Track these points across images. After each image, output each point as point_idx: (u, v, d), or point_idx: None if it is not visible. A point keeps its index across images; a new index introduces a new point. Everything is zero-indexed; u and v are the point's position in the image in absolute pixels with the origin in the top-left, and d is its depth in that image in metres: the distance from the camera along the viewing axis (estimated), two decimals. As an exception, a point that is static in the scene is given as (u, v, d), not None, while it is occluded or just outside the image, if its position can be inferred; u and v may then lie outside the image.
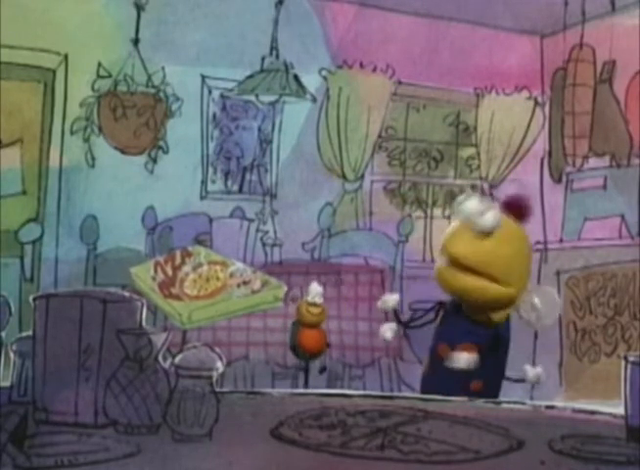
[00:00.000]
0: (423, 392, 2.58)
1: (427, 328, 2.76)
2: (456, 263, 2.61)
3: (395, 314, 2.79)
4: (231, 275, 3.29)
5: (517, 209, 2.66)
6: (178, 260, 3.34)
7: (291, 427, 1.77)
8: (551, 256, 3.81)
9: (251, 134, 3.76)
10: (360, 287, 3.73)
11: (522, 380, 2.74)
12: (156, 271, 3.30)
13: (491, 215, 2.60)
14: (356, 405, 1.98)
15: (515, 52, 3.89)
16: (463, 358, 2.61)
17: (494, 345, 2.66)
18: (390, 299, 2.80)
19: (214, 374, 1.67)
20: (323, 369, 3.13)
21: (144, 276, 3.31)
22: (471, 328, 2.64)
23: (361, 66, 3.78)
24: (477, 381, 2.62)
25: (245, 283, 3.26)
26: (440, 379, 2.57)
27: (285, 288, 3.33)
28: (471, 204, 2.62)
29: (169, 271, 3.30)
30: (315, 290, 3.05)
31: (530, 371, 2.72)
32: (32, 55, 3.39)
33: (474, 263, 2.60)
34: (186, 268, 3.30)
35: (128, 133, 3.57)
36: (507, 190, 3.92)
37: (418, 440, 1.72)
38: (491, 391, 2.63)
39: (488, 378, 2.65)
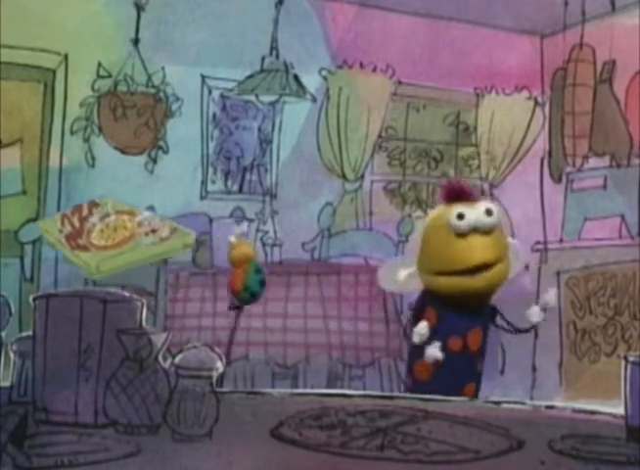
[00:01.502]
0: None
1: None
2: (483, 268, 2.62)
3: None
4: (139, 224, 3.26)
5: (462, 192, 2.67)
6: (85, 212, 3.31)
7: (291, 427, 1.77)
8: (551, 256, 3.81)
9: (251, 134, 3.76)
10: (360, 287, 3.73)
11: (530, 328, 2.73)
12: (63, 224, 3.27)
13: (494, 209, 2.63)
14: (356, 405, 1.97)
15: (515, 52, 3.89)
16: (424, 327, 2.61)
17: (491, 319, 2.70)
18: (423, 328, 2.70)
19: (214, 374, 1.67)
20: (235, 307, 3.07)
21: (52, 229, 3.28)
22: (472, 314, 2.64)
23: (361, 66, 3.78)
24: (480, 362, 2.65)
25: (153, 231, 3.24)
26: (452, 373, 2.56)
27: (194, 235, 3.31)
28: (468, 212, 2.63)
29: (76, 223, 3.27)
30: (239, 229, 3.03)
31: (547, 297, 2.74)
32: (32, 55, 3.39)
33: (497, 258, 2.65)
34: (93, 219, 3.26)
35: (128, 133, 3.57)
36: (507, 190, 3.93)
37: (418, 440, 1.72)
38: (482, 367, 2.66)
39: (484, 356, 2.67)
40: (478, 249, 2.63)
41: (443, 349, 2.62)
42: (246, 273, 3.02)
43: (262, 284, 3.07)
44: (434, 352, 2.62)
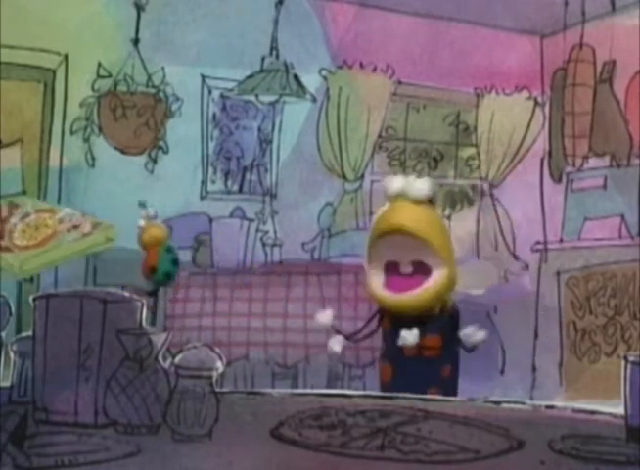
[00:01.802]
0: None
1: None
2: (398, 235, 2.57)
3: (336, 330, 2.72)
4: (60, 221, 3.25)
5: None
6: (5, 213, 3.29)
7: (291, 427, 1.77)
8: (551, 256, 3.81)
9: (251, 134, 3.76)
10: (360, 287, 3.73)
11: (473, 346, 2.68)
12: (-18, 228, 3.26)
13: (425, 181, 2.61)
14: (356, 405, 1.97)
15: (515, 52, 3.88)
16: (413, 334, 2.58)
17: (453, 326, 2.64)
18: (324, 317, 2.72)
19: (214, 374, 1.67)
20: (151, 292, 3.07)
21: (-28, 234, 3.28)
22: (426, 320, 2.60)
23: (361, 66, 3.78)
24: (446, 366, 2.61)
25: (75, 227, 3.23)
26: (409, 378, 2.54)
27: (115, 227, 3.30)
28: (400, 177, 2.63)
29: (-4, 225, 3.26)
30: (145, 211, 3.04)
31: (472, 332, 2.65)
32: (32, 55, 3.39)
33: (419, 229, 2.57)
34: (13, 220, 3.25)
35: (128, 133, 3.57)
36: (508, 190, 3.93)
37: (418, 440, 1.72)
38: (456, 372, 2.63)
39: (454, 361, 2.64)
40: (398, 211, 2.60)
41: (400, 353, 2.61)
42: (157, 254, 3.02)
43: (175, 263, 3.07)
44: (333, 343, 2.67)
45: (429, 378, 2.52)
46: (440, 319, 2.62)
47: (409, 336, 2.55)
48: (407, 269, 2.61)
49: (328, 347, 2.69)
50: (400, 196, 2.60)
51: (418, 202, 2.59)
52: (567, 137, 3.76)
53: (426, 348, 2.59)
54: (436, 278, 2.58)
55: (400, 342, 2.56)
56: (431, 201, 2.65)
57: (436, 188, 2.69)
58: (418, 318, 2.59)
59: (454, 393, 2.58)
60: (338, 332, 2.71)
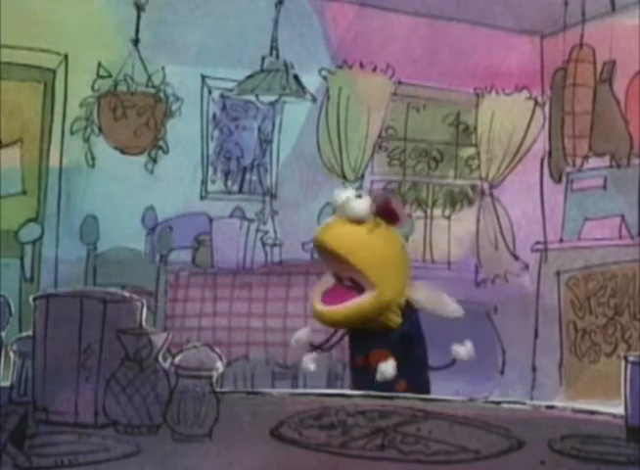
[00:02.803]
0: None
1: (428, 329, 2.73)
2: (325, 253, 2.56)
3: (311, 345, 2.70)
4: None
5: (387, 212, 2.62)
6: None
7: (291, 427, 1.77)
8: (551, 256, 3.81)
9: (251, 134, 3.76)
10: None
11: (451, 364, 2.66)
12: None
13: (364, 201, 2.56)
14: (356, 405, 1.97)
15: (515, 52, 3.89)
16: (390, 366, 2.57)
17: (405, 344, 2.61)
18: (303, 334, 2.69)
19: (214, 374, 1.67)
20: None
21: None
22: (378, 335, 2.58)
23: (361, 66, 3.78)
24: (400, 382, 2.60)
25: None
26: (361, 387, 2.52)
27: None
28: (345, 192, 2.60)
29: None
30: None
31: (461, 349, 2.64)
32: (32, 55, 3.39)
33: (340, 250, 2.54)
34: None
35: (128, 133, 3.57)
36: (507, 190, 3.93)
37: (418, 440, 1.72)
38: (418, 388, 2.61)
39: (411, 377, 2.62)
40: (326, 227, 2.58)
41: (353, 364, 2.64)
42: None
43: None
44: (306, 362, 2.65)
45: (383, 390, 2.50)
46: (387, 335, 2.61)
47: (387, 369, 2.56)
48: (347, 282, 2.60)
49: (302, 365, 2.67)
50: (340, 212, 2.58)
51: (356, 221, 2.55)
52: (567, 137, 3.76)
53: (372, 359, 2.59)
54: (361, 298, 2.56)
55: (379, 376, 2.56)
56: (390, 216, 2.61)
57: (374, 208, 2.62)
58: (363, 331, 2.59)
59: None
60: (314, 347, 2.69)
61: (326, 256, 2.60)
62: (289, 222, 3.74)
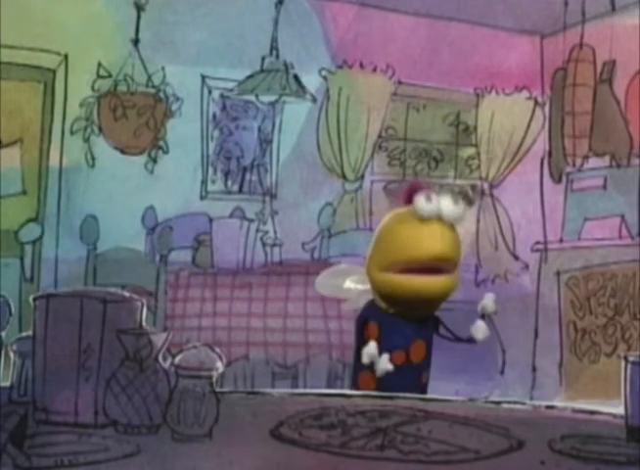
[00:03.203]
0: None
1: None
2: (437, 263, 2.55)
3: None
4: None
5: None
6: None
7: (291, 427, 1.77)
8: (551, 256, 3.81)
9: (251, 134, 3.76)
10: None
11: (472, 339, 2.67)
12: None
13: (459, 203, 2.55)
14: (356, 405, 1.97)
15: (515, 52, 3.89)
16: (482, 327, 2.59)
17: (435, 330, 2.63)
18: (372, 348, 2.59)
19: (214, 374, 1.67)
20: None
21: None
22: (415, 326, 2.58)
23: (361, 66, 3.78)
24: (425, 372, 2.61)
25: None
26: (394, 386, 2.51)
27: None
28: (434, 199, 2.59)
29: None
30: None
31: (487, 302, 2.62)
32: (32, 55, 3.39)
33: (455, 256, 2.55)
34: None
35: (128, 133, 3.57)
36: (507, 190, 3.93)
37: (418, 440, 1.72)
38: (429, 378, 2.62)
39: (429, 367, 2.64)
40: (439, 238, 2.54)
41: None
42: None
43: None
44: (384, 366, 2.57)
45: (410, 385, 2.49)
46: (426, 324, 2.61)
47: (481, 328, 2.57)
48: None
49: (381, 367, 2.64)
50: (434, 218, 2.57)
51: (450, 224, 2.56)
52: (567, 137, 3.76)
53: (414, 354, 2.59)
54: (451, 277, 2.56)
55: (480, 335, 2.56)
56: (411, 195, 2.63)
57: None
58: (407, 324, 2.59)
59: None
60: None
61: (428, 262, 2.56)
62: (289, 222, 3.74)
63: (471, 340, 2.64)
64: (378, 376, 2.56)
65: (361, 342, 2.63)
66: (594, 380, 3.56)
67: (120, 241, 3.55)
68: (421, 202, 2.55)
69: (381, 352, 2.58)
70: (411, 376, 2.57)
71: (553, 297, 3.77)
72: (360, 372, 2.64)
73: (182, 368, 1.67)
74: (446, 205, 2.54)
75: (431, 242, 2.54)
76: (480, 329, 2.62)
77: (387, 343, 2.60)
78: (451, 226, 2.55)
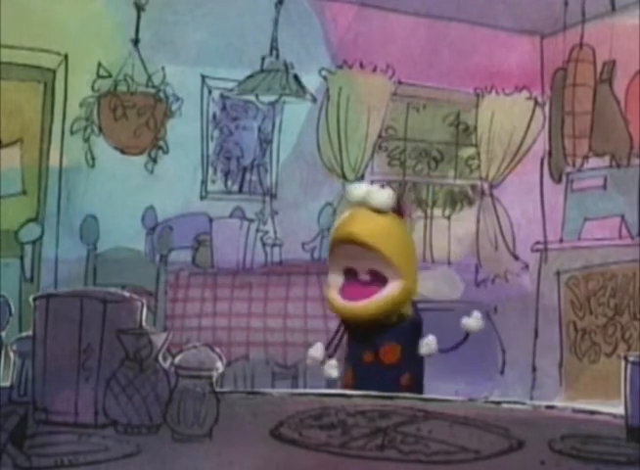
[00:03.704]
0: None
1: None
2: (354, 244, 2.55)
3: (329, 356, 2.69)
4: None
5: (398, 205, 2.64)
6: None
7: (291, 427, 1.77)
8: (551, 256, 3.81)
9: (251, 134, 3.76)
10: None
11: (465, 339, 2.64)
12: None
13: (387, 191, 2.59)
14: (356, 405, 1.98)
15: (515, 52, 3.89)
16: (432, 340, 2.58)
17: (413, 334, 2.61)
18: (317, 352, 2.68)
19: (214, 374, 1.67)
20: None
21: None
22: (387, 328, 2.57)
23: (361, 66, 3.78)
24: (405, 374, 2.60)
25: None
26: (368, 384, 2.51)
27: None
28: (363, 185, 2.61)
29: None
30: None
31: (471, 321, 2.60)
32: (32, 55, 3.39)
33: (372, 240, 2.53)
34: None
35: (128, 133, 3.57)
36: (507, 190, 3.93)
37: (418, 440, 1.72)
38: (420, 379, 2.61)
39: (415, 368, 2.62)
40: (357, 220, 2.56)
41: (359, 360, 2.60)
42: None
43: None
44: (330, 371, 2.63)
45: (387, 385, 2.48)
46: (399, 327, 2.60)
47: (430, 344, 2.56)
48: (364, 277, 2.59)
49: (325, 373, 2.65)
50: (361, 204, 2.58)
51: (379, 211, 2.56)
52: (567, 137, 3.76)
53: (383, 355, 2.58)
54: (390, 289, 2.55)
55: (424, 350, 2.56)
56: (400, 210, 2.64)
57: (407, 197, 2.67)
58: (375, 325, 2.58)
59: None
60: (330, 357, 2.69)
61: (351, 248, 2.56)
62: (289, 222, 3.74)
63: (448, 350, 2.63)
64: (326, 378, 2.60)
65: (339, 334, 2.65)
66: (594, 380, 3.56)
67: (120, 241, 3.55)
68: (348, 188, 2.59)
69: (355, 350, 2.60)
70: (384, 376, 2.55)
71: (553, 297, 3.77)
72: (344, 366, 2.66)
73: (182, 368, 1.67)
74: (371, 190, 2.57)
75: (347, 222, 2.58)
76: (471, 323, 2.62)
77: (357, 342, 2.62)
78: (379, 212, 2.56)
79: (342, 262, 2.61)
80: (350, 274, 2.61)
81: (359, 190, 2.59)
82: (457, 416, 1.91)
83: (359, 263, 2.58)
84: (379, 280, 2.57)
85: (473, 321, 2.60)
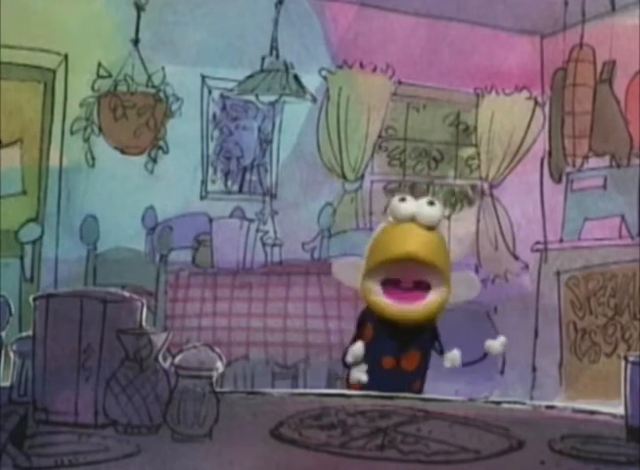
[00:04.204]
0: None
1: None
2: (412, 262, 2.55)
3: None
4: None
5: None
6: None
7: (291, 427, 1.77)
8: (551, 256, 3.81)
9: (251, 134, 3.76)
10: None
11: (483, 357, 2.66)
12: None
13: (438, 207, 2.58)
14: (356, 405, 1.97)
15: (515, 52, 3.89)
16: (457, 355, 2.59)
17: (432, 341, 2.62)
18: (359, 350, 2.62)
19: (214, 374, 1.67)
20: None
21: None
22: (412, 335, 2.58)
23: (361, 66, 3.78)
24: (417, 381, 2.60)
25: None
26: (382, 390, 2.51)
27: None
28: (411, 201, 2.59)
29: None
30: None
31: (495, 344, 2.61)
32: (32, 55, 3.39)
33: (432, 258, 2.54)
34: None
35: (128, 133, 3.57)
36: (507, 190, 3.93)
37: (418, 440, 1.72)
38: (422, 387, 2.62)
39: (425, 376, 2.63)
40: (411, 236, 2.55)
41: (377, 365, 2.58)
42: None
43: None
44: (359, 375, 2.58)
45: (401, 391, 2.50)
46: (422, 335, 2.61)
47: (456, 358, 2.57)
48: (408, 285, 2.60)
49: (354, 379, 2.64)
50: (411, 220, 2.58)
51: (430, 227, 2.57)
52: (567, 137, 3.76)
53: (405, 362, 2.58)
54: (438, 294, 2.57)
55: (449, 364, 2.57)
56: None
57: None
58: (417, 329, 2.59)
59: None
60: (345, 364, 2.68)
61: (405, 264, 2.55)
62: (289, 222, 3.74)
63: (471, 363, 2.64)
64: (351, 382, 2.58)
65: (357, 339, 2.64)
66: (594, 380, 3.56)
67: (120, 241, 3.55)
68: (395, 203, 2.57)
69: (373, 354, 2.59)
70: (401, 382, 2.55)
71: (553, 297, 3.77)
72: (351, 370, 2.65)
73: (182, 368, 1.67)
74: (421, 205, 2.56)
75: (401, 240, 2.56)
76: (494, 347, 2.62)
77: (378, 347, 2.61)
78: (429, 228, 2.56)
79: (387, 274, 2.60)
80: (390, 282, 2.61)
81: (409, 206, 2.57)
82: (457, 416, 1.91)
83: (406, 274, 2.58)
84: (421, 287, 2.57)
85: (497, 346, 2.62)
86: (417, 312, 2.57)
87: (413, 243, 2.55)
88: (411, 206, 2.57)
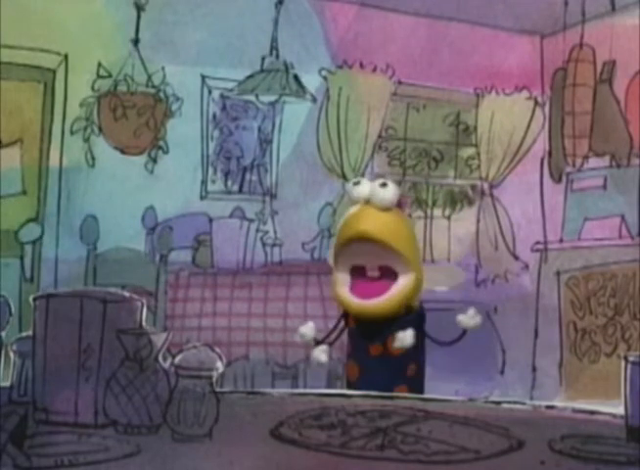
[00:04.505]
0: None
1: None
2: (366, 241, 2.56)
3: (315, 341, 2.68)
4: None
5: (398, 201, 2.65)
6: None
7: (291, 427, 1.77)
8: (551, 256, 3.81)
9: (251, 134, 3.76)
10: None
11: (462, 335, 2.63)
12: None
13: (391, 188, 2.60)
14: (356, 405, 1.98)
15: (515, 52, 3.89)
16: (408, 335, 2.58)
17: (419, 325, 2.62)
18: (308, 329, 2.68)
19: (214, 374, 1.67)
20: None
21: None
22: (394, 320, 2.58)
23: (361, 66, 3.78)
24: (411, 365, 2.60)
25: None
26: (375, 376, 2.52)
27: None
28: (366, 183, 2.61)
29: None
30: None
31: (465, 318, 2.61)
32: (32, 55, 3.39)
33: (384, 236, 2.55)
34: None
35: (128, 133, 3.57)
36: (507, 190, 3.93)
37: (418, 440, 1.72)
38: (423, 370, 2.62)
39: (420, 359, 2.63)
40: (364, 217, 2.58)
41: (365, 353, 2.60)
42: None
43: None
44: (318, 354, 2.63)
45: (394, 376, 2.51)
46: (406, 319, 2.61)
47: (406, 338, 2.56)
48: (374, 273, 2.60)
49: (313, 357, 2.67)
50: (366, 202, 2.60)
51: (384, 208, 2.59)
52: (567, 137, 3.76)
53: (391, 344, 2.58)
54: (403, 283, 2.58)
55: (398, 344, 2.56)
56: (399, 204, 2.65)
57: (409, 192, 2.69)
58: (386, 320, 2.59)
59: (421, 391, 2.58)
60: (317, 343, 2.69)
61: (361, 246, 2.58)
62: (289, 222, 3.74)
63: (450, 342, 2.63)
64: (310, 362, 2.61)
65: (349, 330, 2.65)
66: (594, 380, 3.56)
67: (120, 241, 3.55)
68: (349, 186, 2.61)
69: (360, 343, 2.60)
70: (392, 367, 2.56)
71: (553, 297, 3.77)
72: (347, 361, 2.66)
73: (182, 368, 1.67)
74: (374, 188, 2.58)
75: (354, 221, 2.60)
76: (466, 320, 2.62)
77: (362, 335, 2.62)
78: (384, 209, 2.57)
79: (351, 261, 2.62)
80: (358, 272, 2.62)
81: (363, 188, 2.60)
82: (457, 416, 1.91)
83: (369, 260, 2.59)
84: (388, 275, 2.58)
85: (466, 318, 2.61)
86: (377, 307, 2.58)
87: (364, 222, 2.58)
88: (364, 188, 2.60)
